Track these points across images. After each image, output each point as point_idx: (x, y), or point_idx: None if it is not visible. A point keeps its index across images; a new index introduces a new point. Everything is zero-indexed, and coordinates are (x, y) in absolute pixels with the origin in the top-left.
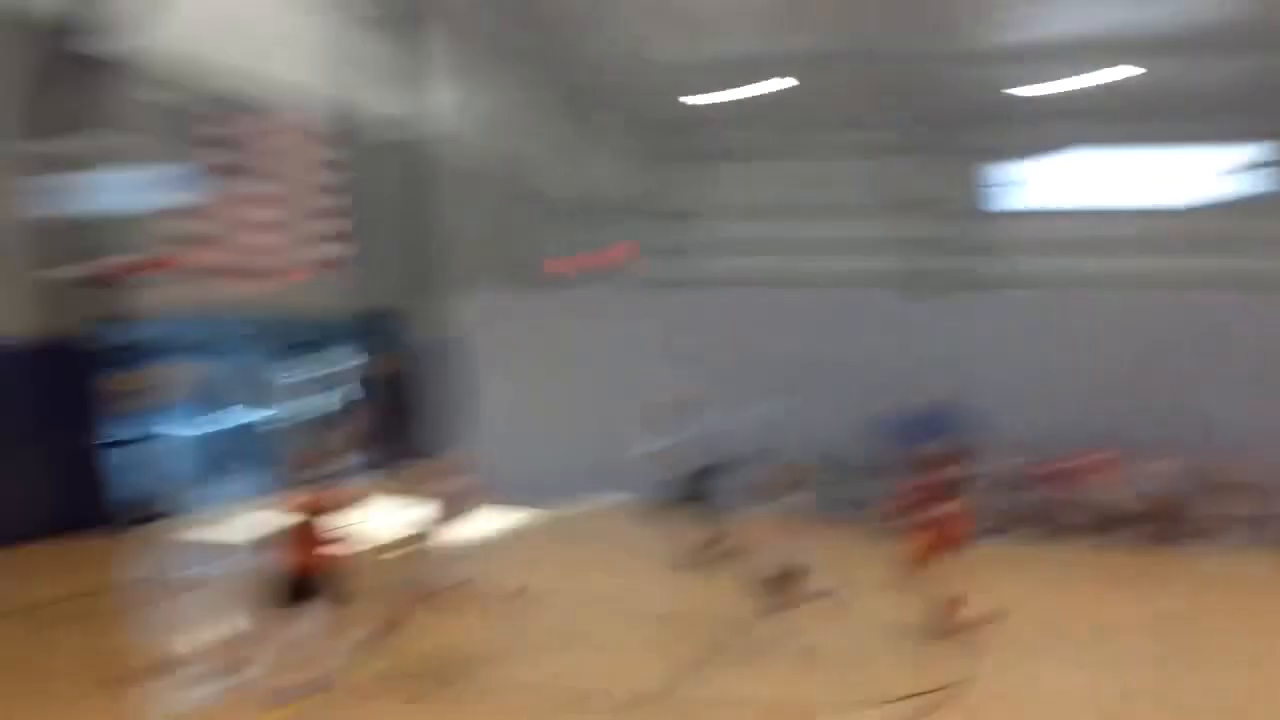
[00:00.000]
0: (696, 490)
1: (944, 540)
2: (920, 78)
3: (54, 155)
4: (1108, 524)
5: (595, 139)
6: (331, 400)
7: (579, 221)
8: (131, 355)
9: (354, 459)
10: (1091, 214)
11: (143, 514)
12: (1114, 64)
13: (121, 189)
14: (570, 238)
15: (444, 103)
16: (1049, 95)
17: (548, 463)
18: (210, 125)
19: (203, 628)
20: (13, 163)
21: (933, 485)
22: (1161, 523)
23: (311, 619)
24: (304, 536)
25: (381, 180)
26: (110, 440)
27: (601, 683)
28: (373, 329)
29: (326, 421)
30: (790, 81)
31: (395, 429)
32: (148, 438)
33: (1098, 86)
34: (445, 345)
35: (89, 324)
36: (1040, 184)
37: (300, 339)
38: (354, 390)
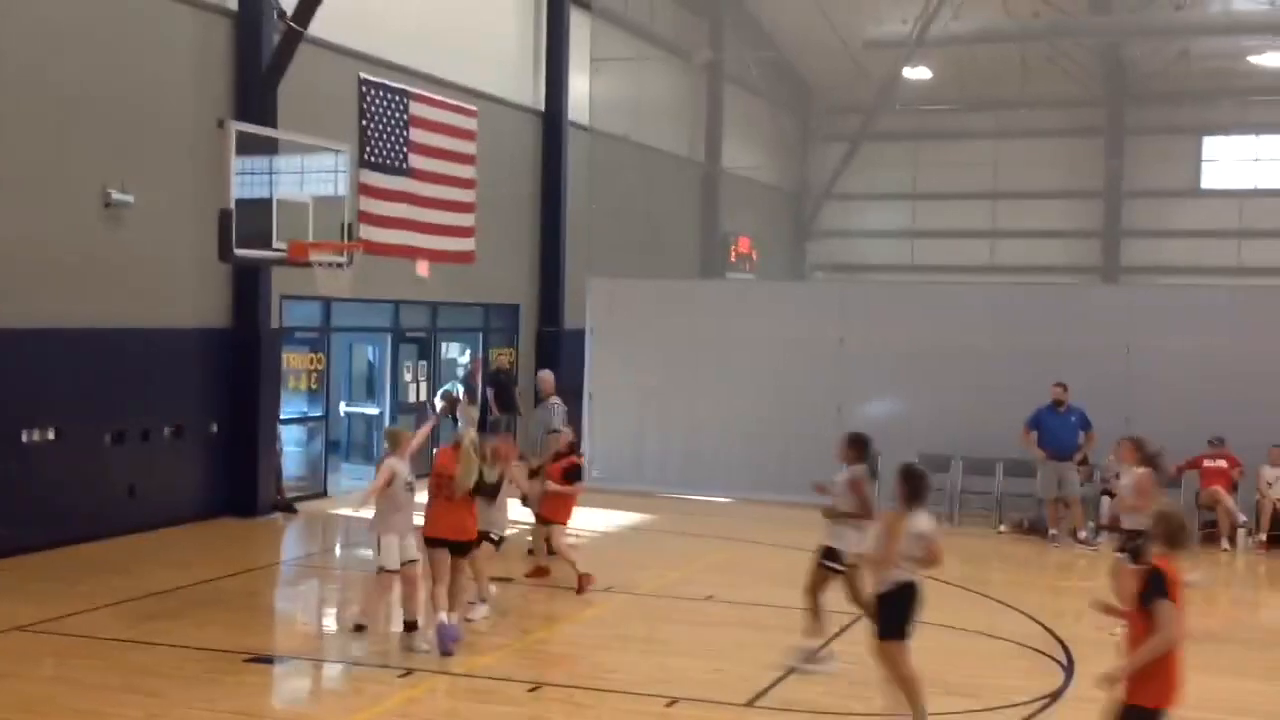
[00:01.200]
0: None
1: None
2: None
3: (249, 138)
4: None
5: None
6: (453, 391)
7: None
8: (302, 338)
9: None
10: None
11: (294, 495)
12: None
13: (304, 171)
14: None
15: (582, 88)
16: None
17: (657, 454)
18: (392, 108)
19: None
20: (217, 150)
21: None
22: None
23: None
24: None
25: (512, 169)
26: (279, 422)
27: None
28: (495, 323)
29: (445, 412)
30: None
31: (507, 422)
32: (310, 419)
33: None
34: (564, 337)
35: (263, 308)
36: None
37: (431, 329)
38: (471, 382)
